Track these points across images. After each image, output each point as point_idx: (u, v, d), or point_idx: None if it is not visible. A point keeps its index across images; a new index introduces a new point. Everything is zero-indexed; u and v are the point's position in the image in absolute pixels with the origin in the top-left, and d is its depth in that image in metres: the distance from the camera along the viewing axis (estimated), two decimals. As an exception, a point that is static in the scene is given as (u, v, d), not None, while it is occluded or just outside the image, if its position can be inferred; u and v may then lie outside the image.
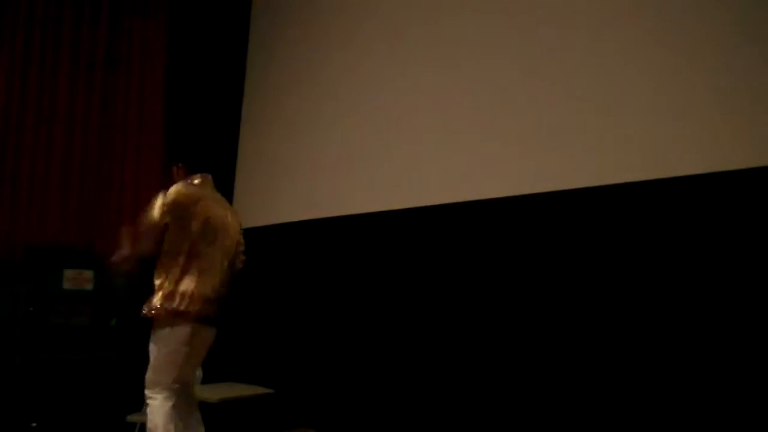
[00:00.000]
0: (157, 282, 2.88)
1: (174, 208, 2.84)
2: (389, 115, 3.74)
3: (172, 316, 2.79)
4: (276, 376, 4.12)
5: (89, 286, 4.34)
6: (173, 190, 2.87)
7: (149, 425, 2.77)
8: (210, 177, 3.10)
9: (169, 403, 2.78)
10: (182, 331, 2.80)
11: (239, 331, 4.53)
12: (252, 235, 4.79)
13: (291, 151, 4.42)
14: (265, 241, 4.52)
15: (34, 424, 4.04)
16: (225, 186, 5.04)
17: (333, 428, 3.71)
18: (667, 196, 2.38)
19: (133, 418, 3.87)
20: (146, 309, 2.84)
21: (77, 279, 4.32)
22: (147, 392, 2.86)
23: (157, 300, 2.81)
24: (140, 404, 3.99)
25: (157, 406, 2.77)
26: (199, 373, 4.18)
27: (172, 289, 2.81)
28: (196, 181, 3.03)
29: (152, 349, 2.91)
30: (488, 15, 3.21)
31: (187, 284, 2.83)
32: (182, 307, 2.79)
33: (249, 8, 5.33)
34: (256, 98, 5.06)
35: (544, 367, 2.69)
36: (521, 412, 2.75)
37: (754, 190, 2.15)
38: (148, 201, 4.72)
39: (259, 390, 3.96)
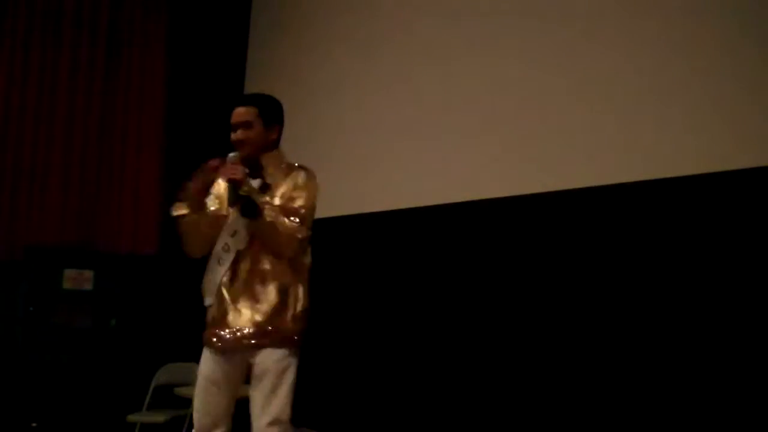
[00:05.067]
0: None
1: None
2: (390, 115, 3.74)
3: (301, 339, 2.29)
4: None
5: (89, 286, 4.34)
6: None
7: None
8: None
9: None
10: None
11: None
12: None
13: (290, 150, 4.41)
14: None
15: (34, 424, 4.04)
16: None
17: (333, 428, 3.71)
18: (667, 196, 2.38)
19: (133, 418, 3.88)
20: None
21: (77, 279, 4.33)
22: None
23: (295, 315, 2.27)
24: (140, 404, 4.01)
25: None
26: None
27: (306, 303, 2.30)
28: None
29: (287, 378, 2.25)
30: (491, 15, 3.20)
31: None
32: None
33: (249, 8, 5.33)
34: (256, 98, 5.06)
35: (545, 368, 2.69)
36: (521, 411, 2.75)
37: (754, 190, 2.15)
38: (148, 201, 4.79)
39: (259, 390, 3.96)
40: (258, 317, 2.18)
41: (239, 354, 2.23)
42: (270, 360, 2.18)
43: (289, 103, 4.61)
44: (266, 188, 2.27)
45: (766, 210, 2.11)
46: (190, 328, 4.52)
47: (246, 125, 2.29)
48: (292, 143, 4.58)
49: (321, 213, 4.07)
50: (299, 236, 2.17)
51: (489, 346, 2.93)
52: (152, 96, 4.85)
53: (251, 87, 5.16)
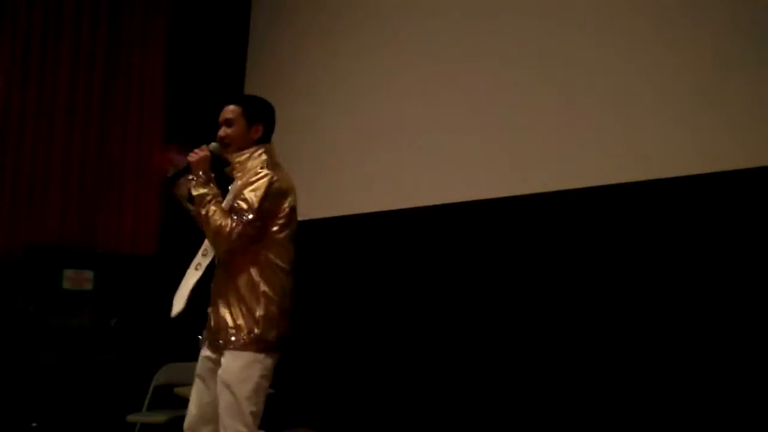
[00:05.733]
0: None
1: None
2: (389, 115, 3.74)
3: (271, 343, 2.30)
4: (276, 376, 4.11)
5: (89, 286, 4.35)
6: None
7: None
8: None
9: None
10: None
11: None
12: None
13: (289, 150, 4.41)
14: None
15: (34, 424, 4.05)
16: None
17: (333, 428, 3.71)
18: (666, 196, 2.38)
19: (133, 418, 3.88)
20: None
21: (77, 279, 4.33)
22: None
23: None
24: (140, 404, 4.01)
25: None
26: None
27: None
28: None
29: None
30: (490, 15, 3.21)
31: None
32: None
33: (249, 7, 5.33)
34: (256, 98, 5.05)
35: (545, 369, 2.69)
36: (521, 412, 2.75)
37: (754, 190, 2.15)
38: (148, 201, 4.79)
39: (259, 390, 3.95)
40: (226, 318, 2.25)
41: (218, 354, 2.29)
42: (232, 367, 2.21)
43: (289, 102, 4.64)
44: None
45: (766, 210, 2.11)
46: (190, 328, 4.54)
47: (228, 123, 2.38)
48: (291, 143, 4.60)
49: (317, 213, 4.09)
50: (230, 234, 2.16)
51: (487, 348, 2.93)
52: (152, 96, 4.85)
53: (251, 86, 5.16)
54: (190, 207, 2.31)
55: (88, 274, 4.36)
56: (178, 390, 3.88)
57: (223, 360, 2.24)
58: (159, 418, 3.84)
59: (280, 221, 2.29)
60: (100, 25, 4.69)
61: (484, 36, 3.21)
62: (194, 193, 2.23)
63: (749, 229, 2.14)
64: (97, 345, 4.31)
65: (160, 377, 4.05)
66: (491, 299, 2.96)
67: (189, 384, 4.02)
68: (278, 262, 2.29)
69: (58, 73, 4.51)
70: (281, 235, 2.30)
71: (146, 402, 4.00)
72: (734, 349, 2.13)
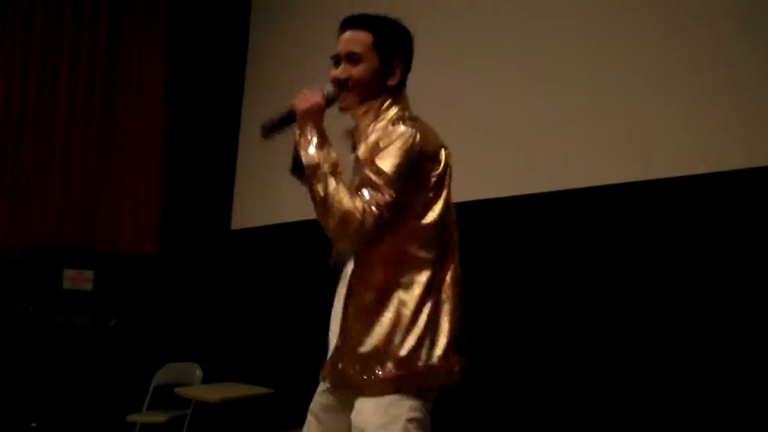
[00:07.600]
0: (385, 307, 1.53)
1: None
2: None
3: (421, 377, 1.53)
4: (276, 376, 4.11)
5: (89, 286, 4.35)
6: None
7: None
8: None
9: None
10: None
11: (239, 331, 4.53)
12: (251, 235, 4.80)
13: (290, 150, 4.41)
14: (265, 241, 4.50)
15: (34, 424, 4.05)
16: (225, 186, 5.05)
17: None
18: (666, 196, 2.38)
19: (133, 418, 3.88)
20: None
21: (77, 279, 4.33)
22: None
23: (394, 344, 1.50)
24: (140, 404, 4.01)
25: None
26: (198, 372, 4.18)
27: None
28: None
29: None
30: (488, 14, 3.21)
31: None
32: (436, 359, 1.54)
33: (249, 7, 5.33)
34: (256, 97, 5.06)
35: (539, 370, 2.69)
36: (521, 413, 2.75)
37: (754, 190, 2.15)
38: (148, 201, 4.79)
39: (259, 390, 3.97)
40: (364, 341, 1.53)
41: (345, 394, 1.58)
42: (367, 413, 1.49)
43: (289, 102, 4.58)
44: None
45: (766, 210, 2.11)
46: (190, 328, 4.55)
47: (352, 58, 1.64)
48: (290, 143, 4.55)
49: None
50: (362, 223, 1.41)
51: (485, 348, 2.93)
52: (152, 96, 4.85)
53: (252, 86, 5.16)
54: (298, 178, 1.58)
55: (88, 274, 4.37)
56: (178, 390, 3.89)
57: (357, 404, 1.51)
58: (159, 418, 3.85)
59: (429, 196, 1.55)
60: (99, 26, 4.69)
61: (487, 36, 3.21)
62: (305, 159, 1.47)
63: (749, 229, 2.15)
64: (97, 345, 4.32)
65: (160, 377, 4.06)
66: (487, 299, 2.96)
67: (189, 384, 4.06)
68: (423, 254, 1.54)
69: (59, 74, 4.51)
70: (428, 219, 1.54)
71: (146, 402, 4.00)
72: (735, 348, 2.13)
